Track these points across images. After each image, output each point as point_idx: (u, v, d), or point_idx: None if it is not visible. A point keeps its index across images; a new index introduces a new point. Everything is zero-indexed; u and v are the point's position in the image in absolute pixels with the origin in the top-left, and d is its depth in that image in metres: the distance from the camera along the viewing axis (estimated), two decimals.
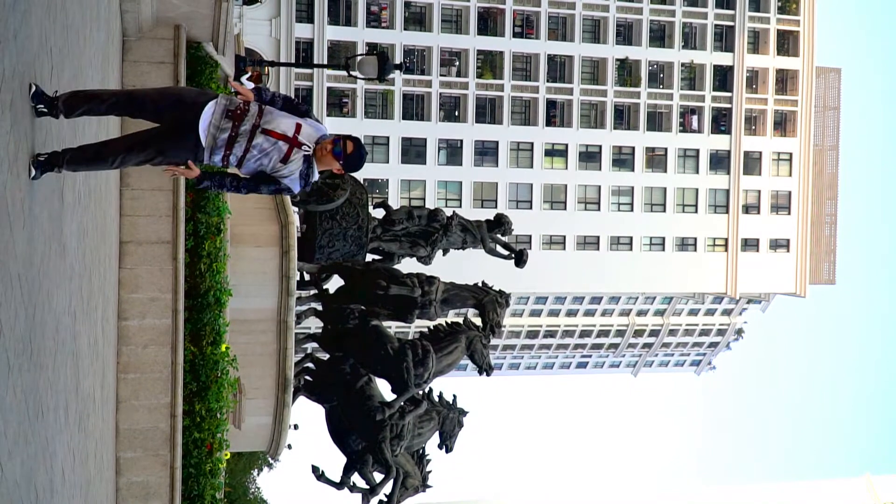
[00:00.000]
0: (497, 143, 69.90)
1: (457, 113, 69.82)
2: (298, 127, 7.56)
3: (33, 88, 6.41)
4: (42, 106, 6.57)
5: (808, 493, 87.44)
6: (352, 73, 25.04)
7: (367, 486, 19.62)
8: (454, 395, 20.09)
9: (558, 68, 71.99)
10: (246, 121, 7.42)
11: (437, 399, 19.76)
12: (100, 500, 10.24)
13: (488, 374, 19.73)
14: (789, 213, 76.91)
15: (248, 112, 7.44)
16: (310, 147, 7.58)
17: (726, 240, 75.21)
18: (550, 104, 71.44)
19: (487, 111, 70.33)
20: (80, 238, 8.48)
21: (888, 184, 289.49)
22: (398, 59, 63.90)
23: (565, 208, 71.81)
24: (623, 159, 73.18)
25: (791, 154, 76.83)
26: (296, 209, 19.72)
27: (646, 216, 73.41)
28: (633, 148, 72.94)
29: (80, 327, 8.48)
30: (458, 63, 69.85)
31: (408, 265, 21.55)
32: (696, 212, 74.56)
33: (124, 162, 7.43)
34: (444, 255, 22.16)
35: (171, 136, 7.43)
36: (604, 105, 72.26)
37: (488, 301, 19.67)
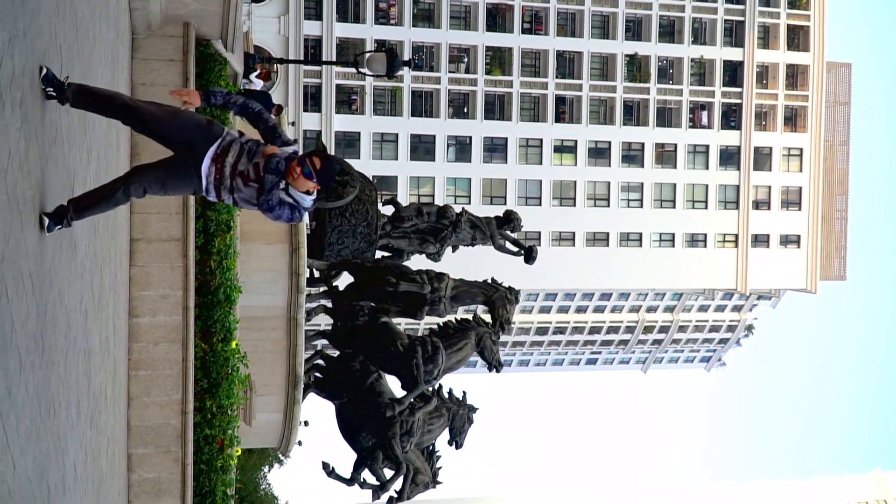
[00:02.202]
0: (506, 139, 69.83)
1: (466, 109, 69.77)
2: (264, 164, 7.60)
3: (44, 71, 6.42)
4: (51, 90, 6.58)
5: (819, 489, 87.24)
6: (360, 70, 25.05)
7: (378, 483, 19.65)
8: (464, 392, 20.08)
9: (567, 64, 71.86)
10: (226, 163, 7.56)
11: (446, 395, 19.76)
12: (112, 497, 10.27)
13: (498, 371, 19.73)
14: (800, 209, 76.65)
15: (229, 153, 7.58)
16: (277, 180, 7.59)
17: (736, 236, 75.01)
18: (559, 100, 71.33)
19: (496, 108, 70.25)
20: (91, 235, 8.50)
21: None
22: (407, 55, 63.88)
23: (575, 205, 71.71)
24: (632, 155, 73.03)
25: (801, 149, 76.57)
26: None
27: (655, 212, 73.26)
28: (643, 144, 72.78)
29: (92, 324, 8.51)
30: (466, 59, 69.78)
31: (417, 262, 21.55)
32: (706, 208, 74.38)
33: (126, 196, 7.55)
34: (453, 251, 22.15)
35: (174, 173, 7.60)
36: (613, 101, 72.11)
37: (498, 297, 19.66)
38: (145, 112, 7.53)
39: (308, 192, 7.70)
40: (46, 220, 6.48)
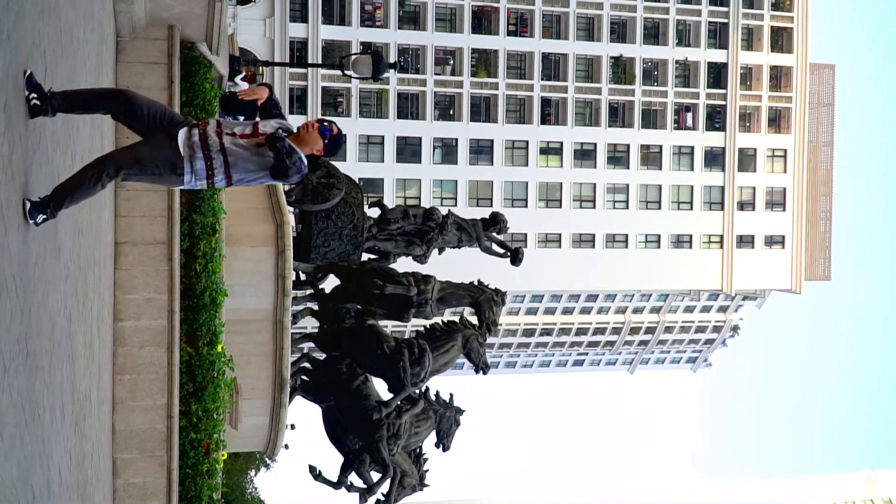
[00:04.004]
0: (492, 141, 69.88)
1: (452, 111, 69.80)
2: (255, 124, 7.77)
3: (27, 72, 6.39)
4: (35, 97, 6.53)
5: (807, 489, 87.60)
6: (346, 72, 25.04)
7: (365, 486, 19.63)
8: (451, 394, 20.10)
9: (553, 66, 71.98)
10: (210, 138, 7.53)
11: (433, 398, 19.77)
12: (97, 502, 10.23)
13: (485, 373, 19.75)
14: (784, 210, 76.96)
15: (209, 134, 7.57)
16: (279, 129, 7.74)
17: (721, 236, 75.25)
18: (545, 102, 71.42)
19: (482, 109, 70.30)
20: (75, 239, 8.47)
21: (882, 179, 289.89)
22: (392, 58, 63.85)
23: (561, 206, 71.80)
24: (618, 157, 73.19)
25: (785, 150, 76.88)
26: (291, 209, 19.73)
27: (641, 213, 73.43)
28: (628, 145, 72.95)
29: (76, 328, 8.47)
30: (452, 62, 69.81)
31: (403, 264, 21.55)
32: (692, 209, 74.59)
33: (102, 178, 7.34)
34: (439, 253, 22.16)
35: (147, 143, 7.51)
36: (598, 103, 72.26)
37: (484, 299, 19.68)
38: (128, 93, 7.58)
39: (307, 156, 7.80)
40: (28, 204, 6.43)
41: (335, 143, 7.91)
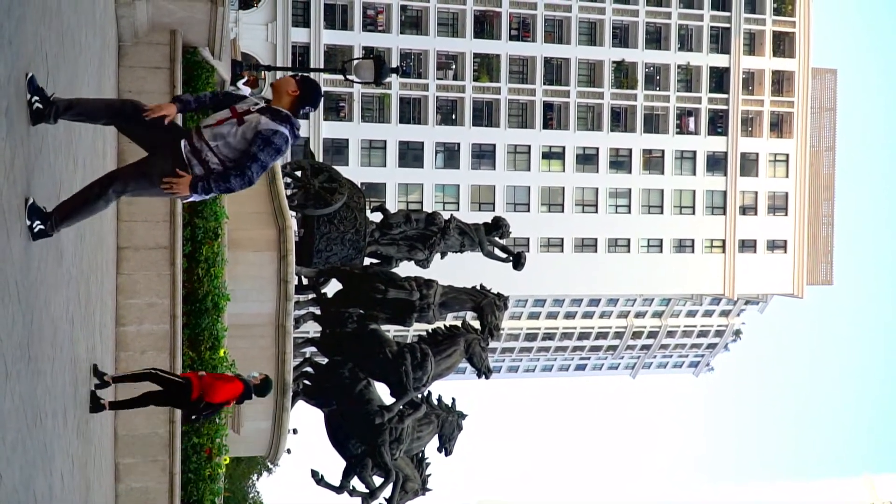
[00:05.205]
0: (494, 145, 69.88)
1: (454, 116, 69.82)
2: (233, 108, 7.66)
3: (29, 75, 6.38)
4: (38, 100, 6.51)
5: (809, 493, 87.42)
6: (348, 77, 25.03)
7: (367, 490, 19.61)
8: (453, 399, 20.08)
9: (555, 71, 71.99)
10: (196, 143, 7.54)
11: (436, 402, 19.75)
12: None
13: (487, 377, 19.73)
14: (786, 214, 76.92)
15: (194, 139, 7.58)
16: (256, 102, 7.67)
17: (724, 241, 75.21)
18: (547, 107, 71.42)
19: (484, 114, 70.30)
20: (78, 243, 8.47)
21: (885, 184, 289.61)
22: (395, 62, 63.89)
23: (563, 211, 71.78)
24: (620, 161, 73.17)
25: (788, 155, 76.85)
26: (293, 213, 19.74)
27: (643, 218, 73.40)
28: (630, 150, 72.94)
29: (78, 333, 8.47)
30: (454, 66, 69.84)
31: (406, 268, 21.54)
32: (694, 213, 74.55)
33: (107, 193, 7.30)
34: (442, 258, 22.15)
35: (154, 157, 7.46)
36: (600, 107, 72.25)
37: (487, 304, 19.67)
38: (132, 104, 7.54)
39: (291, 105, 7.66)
40: (31, 200, 6.39)
41: (309, 83, 7.75)
